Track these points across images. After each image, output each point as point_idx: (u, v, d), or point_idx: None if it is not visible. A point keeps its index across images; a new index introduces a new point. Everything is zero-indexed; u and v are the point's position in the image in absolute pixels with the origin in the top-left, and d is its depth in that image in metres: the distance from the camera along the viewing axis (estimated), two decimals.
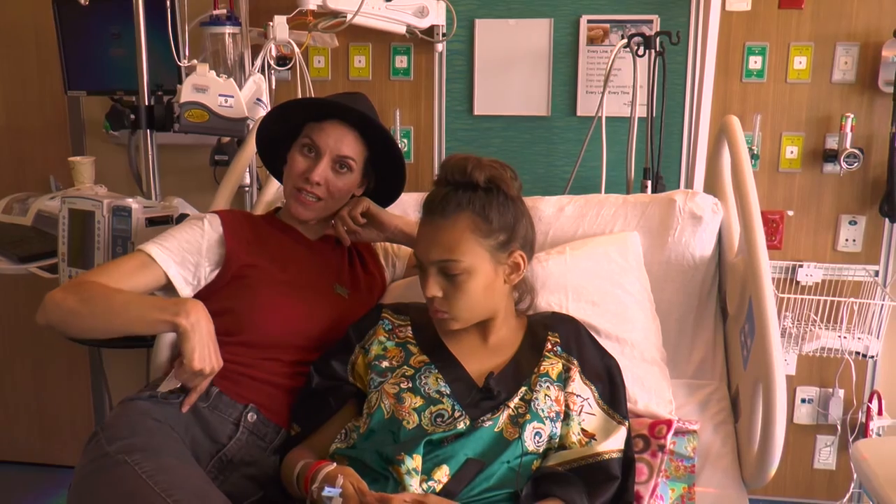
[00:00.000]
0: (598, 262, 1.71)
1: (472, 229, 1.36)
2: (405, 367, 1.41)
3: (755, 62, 2.43)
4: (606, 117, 2.32)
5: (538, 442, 1.34)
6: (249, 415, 1.47)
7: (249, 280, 1.53)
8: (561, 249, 1.74)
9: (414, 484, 1.23)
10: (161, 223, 1.90)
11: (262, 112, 2.15)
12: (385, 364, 1.43)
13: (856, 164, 2.34)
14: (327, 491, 1.21)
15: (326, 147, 1.55)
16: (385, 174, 1.67)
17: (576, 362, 1.43)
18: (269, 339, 1.50)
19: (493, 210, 1.37)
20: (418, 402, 1.35)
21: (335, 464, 1.29)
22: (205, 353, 1.37)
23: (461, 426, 1.31)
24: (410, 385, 1.37)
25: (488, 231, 1.36)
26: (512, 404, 1.35)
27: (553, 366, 1.42)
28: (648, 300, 1.74)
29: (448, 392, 1.36)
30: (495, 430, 1.32)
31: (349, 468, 1.28)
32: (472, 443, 1.30)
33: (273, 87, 2.39)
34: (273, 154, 1.69)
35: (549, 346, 1.45)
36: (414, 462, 1.25)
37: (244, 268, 1.53)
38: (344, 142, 1.56)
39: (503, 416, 1.34)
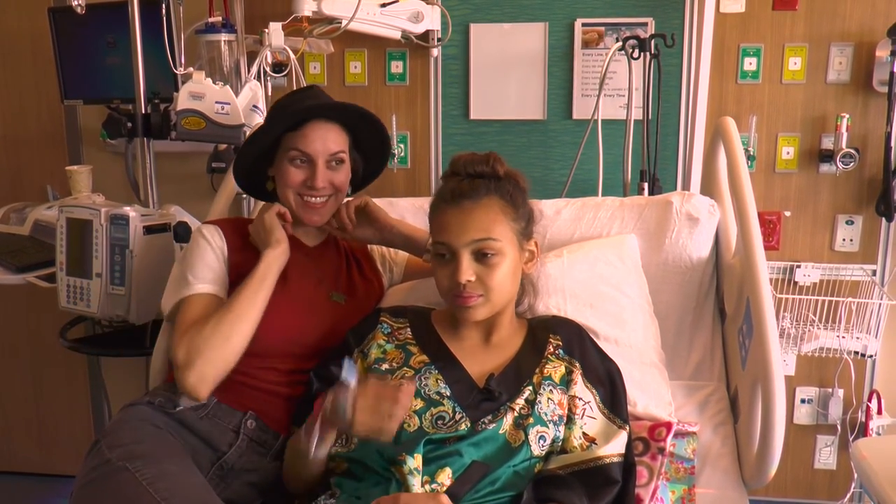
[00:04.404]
0: (596, 266, 1.72)
1: (503, 211, 1.39)
2: (405, 368, 1.41)
3: (750, 63, 2.43)
4: (602, 120, 2.32)
5: (542, 446, 1.34)
6: (249, 422, 1.47)
7: None
8: (558, 253, 1.75)
9: (416, 484, 1.24)
10: (159, 231, 1.91)
11: (259, 119, 2.15)
12: (385, 367, 1.43)
13: (852, 164, 2.35)
14: (346, 367, 1.24)
15: (316, 152, 1.54)
16: (370, 147, 1.67)
17: (578, 365, 1.43)
18: (266, 349, 1.50)
19: (518, 197, 1.43)
20: (419, 404, 1.35)
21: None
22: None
23: (462, 428, 1.32)
24: None
25: (515, 215, 1.41)
26: (516, 406, 1.35)
27: (556, 369, 1.42)
28: (646, 302, 1.74)
29: (448, 393, 1.37)
30: (500, 432, 1.33)
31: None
32: (476, 446, 1.30)
33: (269, 93, 2.40)
34: (252, 174, 1.66)
35: (550, 348, 1.45)
36: (415, 462, 1.25)
37: (242, 278, 1.54)
38: (329, 139, 1.56)
39: (507, 419, 1.34)
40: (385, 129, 1.65)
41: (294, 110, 1.54)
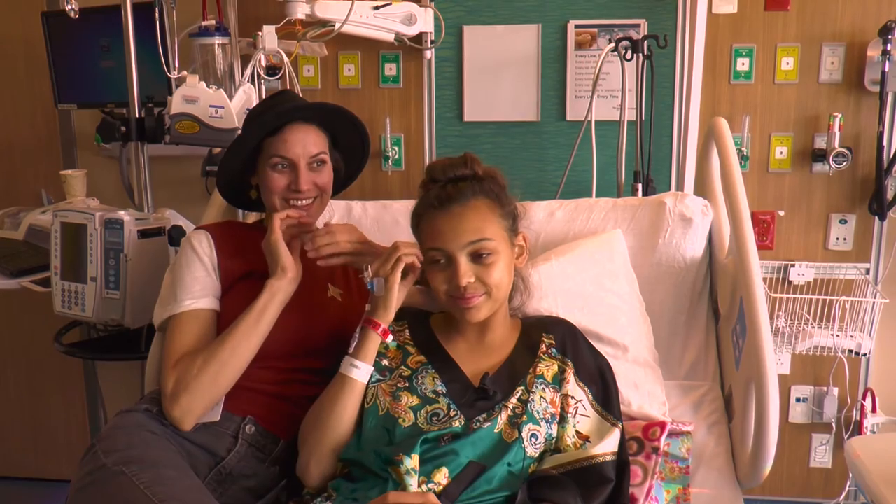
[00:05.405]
0: (584, 266, 1.72)
1: (491, 210, 1.41)
2: (402, 367, 1.43)
3: (743, 64, 2.44)
4: (596, 121, 2.32)
5: (535, 444, 1.34)
6: (248, 427, 1.47)
7: (243, 294, 1.52)
8: (546, 256, 1.74)
9: (413, 484, 1.25)
10: (153, 235, 1.91)
11: None
12: (385, 363, 1.44)
13: (844, 163, 2.36)
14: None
15: (297, 156, 1.55)
16: (349, 146, 1.68)
17: (570, 364, 1.44)
18: (266, 352, 1.49)
19: (502, 194, 1.44)
20: (415, 401, 1.37)
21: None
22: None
23: (456, 425, 1.33)
24: (407, 385, 1.39)
25: (502, 212, 1.42)
26: (510, 405, 1.36)
27: (548, 368, 1.43)
28: (637, 300, 1.74)
29: (444, 391, 1.38)
30: (495, 430, 1.33)
31: None
32: (472, 444, 1.31)
33: (263, 96, 2.40)
34: (235, 184, 1.66)
35: (543, 347, 1.46)
36: (412, 462, 1.26)
37: (238, 282, 1.55)
38: (309, 141, 1.56)
39: (502, 417, 1.35)
40: (363, 125, 1.66)
41: (271, 115, 1.55)
